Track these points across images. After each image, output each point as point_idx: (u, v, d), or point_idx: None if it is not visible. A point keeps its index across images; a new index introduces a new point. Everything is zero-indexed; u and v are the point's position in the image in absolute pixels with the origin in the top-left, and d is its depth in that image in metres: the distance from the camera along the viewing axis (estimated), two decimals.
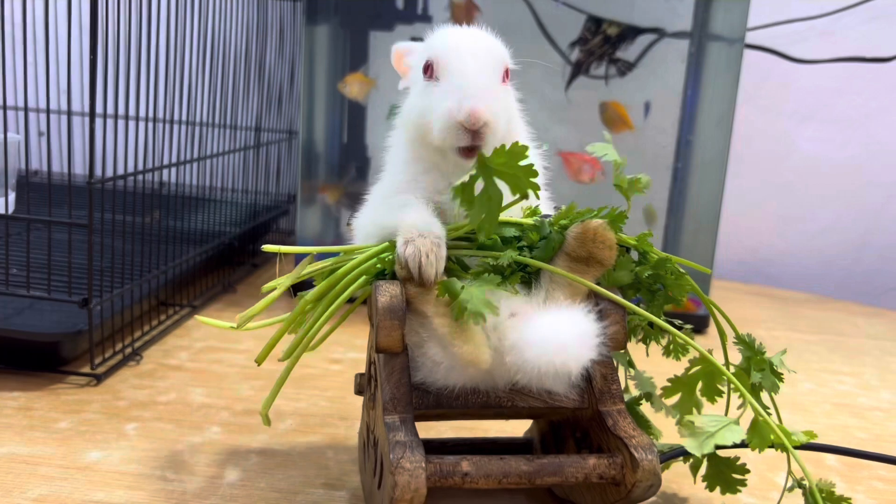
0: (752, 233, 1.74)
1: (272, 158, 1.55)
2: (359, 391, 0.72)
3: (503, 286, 0.58)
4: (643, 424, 0.68)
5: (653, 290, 0.64)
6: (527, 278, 0.61)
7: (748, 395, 0.57)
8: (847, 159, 1.67)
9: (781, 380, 0.64)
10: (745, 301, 1.50)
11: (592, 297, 0.61)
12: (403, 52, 0.67)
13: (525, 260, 0.60)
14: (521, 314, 0.59)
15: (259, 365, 0.66)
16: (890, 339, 1.31)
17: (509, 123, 0.62)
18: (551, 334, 0.55)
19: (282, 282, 0.64)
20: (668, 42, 1.35)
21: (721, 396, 0.67)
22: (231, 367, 0.98)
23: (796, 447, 0.56)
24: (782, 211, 1.72)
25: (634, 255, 0.65)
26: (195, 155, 1.17)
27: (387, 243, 0.62)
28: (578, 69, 1.32)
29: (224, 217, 1.32)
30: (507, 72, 0.63)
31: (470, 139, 0.58)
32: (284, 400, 0.90)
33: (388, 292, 0.57)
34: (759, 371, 0.63)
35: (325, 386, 0.95)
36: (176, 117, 1.10)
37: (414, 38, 1.41)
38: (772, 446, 0.56)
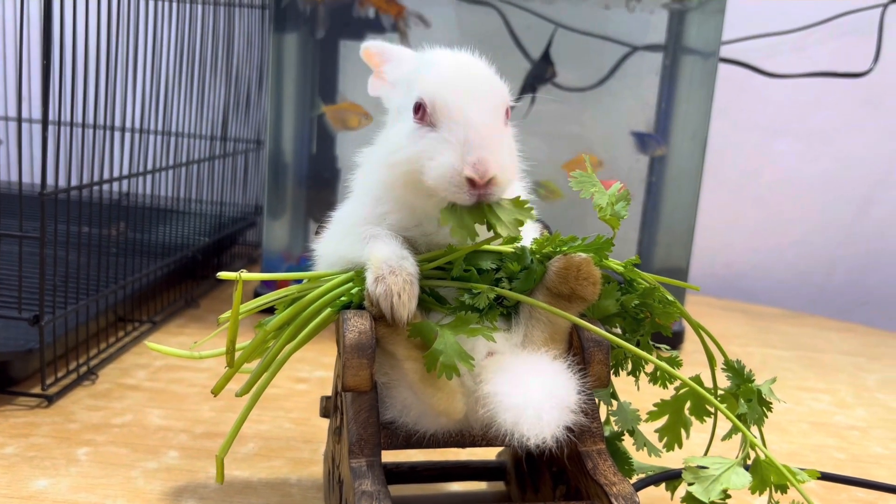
0: (726, 247, 1.73)
1: (238, 168, 1.51)
2: (325, 414, 0.69)
3: (481, 321, 0.55)
4: (623, 461, 0.65)
5: (638, 318, 0.61)
6: (505, 312, 0.58)
7: (747, 433, 0.54)
8: (819, 174, 1.66)
9: (770, 409, 0.61)
10: (718, 316, 1.48)
11: (574, 333, 0.57)
12: (376, 54, 0.62)
13: (505, 293, 0.57)
14: (499, 354, 0.56)
15: (215, 395, 0.62)
16: (863, 354, 1.30)
17: (513, 172, 0.57)
18: (525, 401, 0.50)
19: (235, 314, 0.60)
20: (641, 55, 1.34)
21: (710, 416, 0.64)
22: (191, 387, 0.94)
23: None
24: (755, 225, 1.71)
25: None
26: (157, 165, 1.13)
27: (352, 272, 0.58)
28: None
29: (187, 229, 1.28)
30: (507, 111, 0.57)
31: (475, 197, 0.53)
32: (247, 422, 0.86)
33: (356, 328, 0.54)
34: (746, 401, 0.61)
35: (290, 407, 0.91)
36: (137, 126, 1.06)
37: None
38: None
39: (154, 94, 1.09)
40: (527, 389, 0.51)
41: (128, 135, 1.01)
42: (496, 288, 0.57)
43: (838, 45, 1.54)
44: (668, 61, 1.32)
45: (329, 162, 1.41)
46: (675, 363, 0.64)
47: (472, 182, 0.52)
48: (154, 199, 1.14)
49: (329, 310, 0.58)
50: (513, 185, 0.58)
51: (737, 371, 0.63)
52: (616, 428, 0.64)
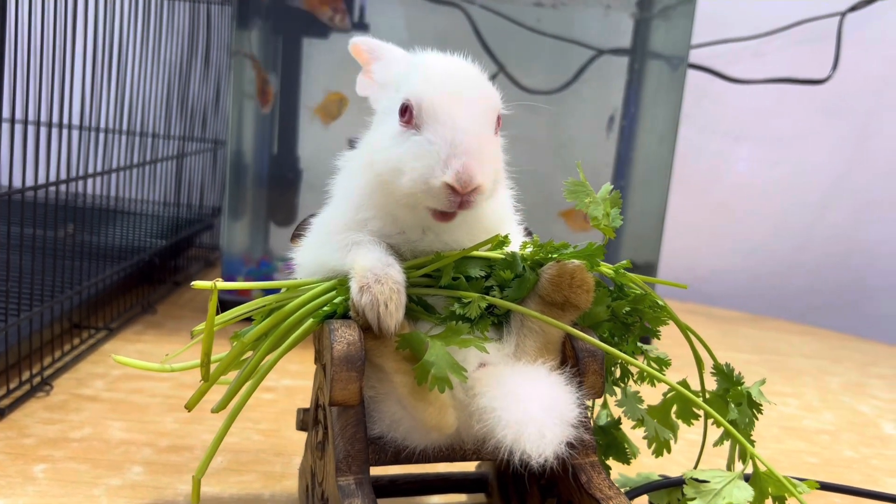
0: (688, 251, 1.74)
1: (195, 170, 1.46)
2: (302, 427, 0.66)
3: (471, 331, 0.53)
4: (621, 450, 0.64)
5: (628, 323, 0.60)
6: (496, 320, 0.56)
7: (746, 444, 0.53)
8: (777, 179, 1.69)
9: (760, 412, 0.61)
10: (682, 319, 1.49)
11: (568, 342, 0.56)
12: (365, 50, 0.59)
13: (497, 302, 0.55)
14: (491, 365, 0.54)
15: (189, 411, 0.59)
16: (825, 357, 1.32)
17: (497, 182, 0.54)
18: (526, 416, 0.48)
19: (210, 325, 0.57)
20: (607, 59, 1.34)
21: (697, 419, 0.63)
22: (153, 398, 0.90)
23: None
24: (716, 229, 1.72)
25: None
26: (115, 164, 1.08)
27: (335, 280, 0.56)
28: None
29: (144, 232, 1.24)
30: (498, 119, 0.55)
31: (456, 204, 0.50)
32: (213, 434, 0.82)
33: (344, 339, 0.51)
34: (736, 404, 0.60)
35: (258, 418, 0.87)
36: (95, 125, 1.01)
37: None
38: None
39: (118, 93, 1.04)
40: (526, 404, 0.49)
41: (85, 134, 0.96)
42: (488, 297, 0.55)
43: (797, 53, 1.56)
44: (636, 65, 1.32)
45: (291, 162, 1.37)
46: (664, 363, 0.63)
47: (452, 189, 0.50)
48: (109, 201, 1.10)
49: (311, 320, 0.55)
50: (497, 194, 0.56)
51: (726, 374, 0.62)
52: (620, 417, 0.63)
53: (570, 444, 0.49)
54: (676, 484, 0.65)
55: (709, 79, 1.57)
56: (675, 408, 0.65)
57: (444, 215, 0.52)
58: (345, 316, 0.54)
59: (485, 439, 0.51)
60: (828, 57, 1.51)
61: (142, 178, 1.21)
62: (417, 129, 0.51)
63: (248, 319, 0.60)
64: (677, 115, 1.24)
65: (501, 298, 0.55)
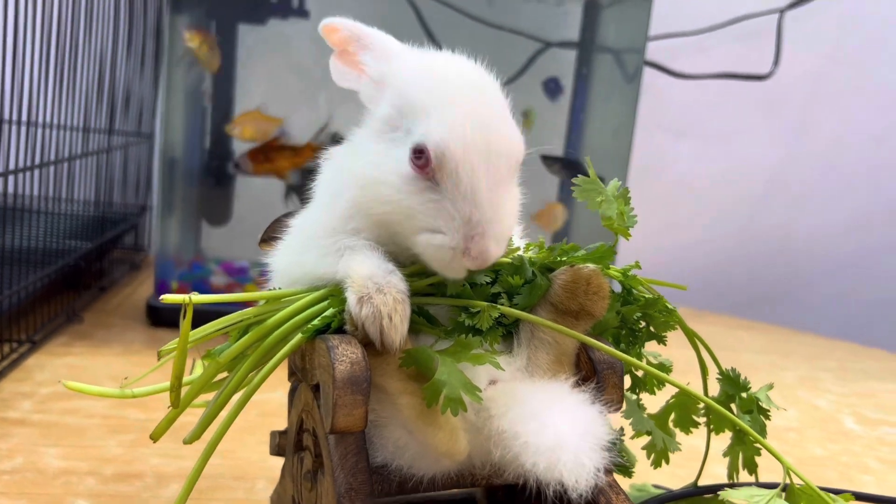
0: (630, 247, 1.73)
1: (117, 165, 1.35)
2: (278, 452, 0.60)
3: (481, 344, 0.48)
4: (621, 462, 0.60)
5: (635, 328, 0.56)
6: (505, 332, 0.51)
7: (783, 459, 0.50)
8: (717, 174, 1.70)
9: (769, 418, 0.58)
10: None
11: (583, 353, 0.51)
12: (348, 36, 0.52)
13: (509, 311, 0.49)
14: (502, 382, 0.49)
15: (154, 442, 0.52)
16: (775, 352, 1.33)
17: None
18: (560, 442, 0.44)
19: (183, 344, 0.49)
20: (554, 52, 1.31)
21: (696, 427, 0.60)
22: (90, 419, 0.81)
23: None
24: (658, 225, 1.72)
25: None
26: (28, 162, 0.97)
27: (324, 290, 0.50)
28: None
29: (66, 233, 1.13)
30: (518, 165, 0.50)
31: (465, 273, 0.47)
32: (164, 458, 0.75)
33: (347, 357, 0.45)
34: (745, 412, 0.57)
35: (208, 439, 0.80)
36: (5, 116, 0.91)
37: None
38: None
39: (19, 83, 0.94)
40: (558, 428, 0.44)
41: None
42: (499, 306, 0.50)
43: (738, 48, 1.57)
44: (585, 58, 1.30)
45: (224, 157, 1.29)
46: (666, 369, 0.60)
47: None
48: (27, 201, 0.99)
49: (299, 335, 0.49)
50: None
51: (732, 380, 0.60)
52: (622, 427, 0.59)
53: (607, 471, 0.45)
54: (685, 496, 0.62)
55: (651, 74, 1.56)
56: (672, 416, 0.62)
57: None
58: (339, 330, 0.48)
59: (503, 465, 0.46)
60: (768, 53, 1.52)
61: (62, 175, 1.10)
62: (434, 184, 0.46)
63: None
64: (634, 109, 1.21)
65: (511, 307, 0.50)
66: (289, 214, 0.58)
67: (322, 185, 0.54)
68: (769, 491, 0.49)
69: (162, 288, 1.18)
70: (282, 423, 0.70)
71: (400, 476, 0.48)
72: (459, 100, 0.47)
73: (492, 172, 0.46)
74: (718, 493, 0.49)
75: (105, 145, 1.22)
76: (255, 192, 1.32)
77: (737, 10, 1.55)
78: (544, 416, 0.45)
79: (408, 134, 0.47)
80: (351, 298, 0.46)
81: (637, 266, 0.56)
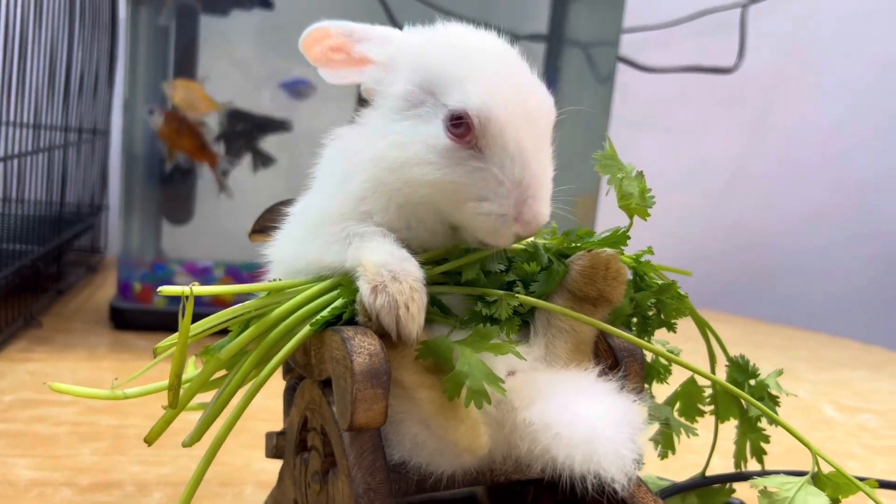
0: None
1: (72, 162, 1.29)
2: (277, 454, 0.56)
3: (498, 334, 0.46)
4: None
5: (648, 316, 0.54)
6: (521, 321, 0.49)
7: (811, 446, 0.49)
8: (680, 169, 1.70)
9: (778, 404, 0.57)
10: None
11: (601, 341, 0.49)
12: (341, 35, 0.48)
13: (527, 300, 0.47)
14: (521, 373, 0.46)
15: (150, 445, 0.48)
16: (747, 343, 1.33)
17: None
18: (596, 433, 0.41)
19: (184, 339, 0.46)
20: (522, 45, 1.29)
21: (702, 416, 0.59)
22: (60, 426, 0.76)
23: None
24: (623, 219, 1.72)
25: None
26: None
27: (332, 279, 0.47)
28: None
29: (20, 235, 1.07)
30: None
31: (515, 240, 0.46)
32: (143, 465, 0.71)
33: (365, 350, 0.42)
34: (758, 398, 0.56)
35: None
36: None
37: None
38: None
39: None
40: (591, 419, 0.42)
41: None
42: (517, 294, 0.47)
43: (703, 42, 1.58)
44: (554, 52, 1.29)
45: (184, 169, 1.24)
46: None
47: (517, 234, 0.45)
48: None
49: (307, 328, 0.46)
50: None
51: (741, 367, 0.59)
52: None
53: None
54: (698, 486, 0.61)
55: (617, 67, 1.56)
56: (678, 405, 0.61)
57: None
58: (350, 321, 0.45)
59: (530, 459, 0.44)
60: (733, 46, 1.53)
61: (11, 174, 1.04)
62: (477, 151, 0.44)
63: (223, 332, 0.49)
64: (609, 103, 1.20)
65: (527, 295, 0.48)
66: (284, 203, 0.55)
67: (325, 171, 0.51)
68: (799, 478, 0.48)
69: (125, 290, 1.13)
70: (264, 425, 0.67)
71: (418, 474, 0.46)
72: (490, 65, 0.45)
73: (534, 133, 0.45)
74: (746, 481, 0.48)
75: (58, 142, 1.17)
76: (216, 191, 1.27)
77: (701, 4, 1.56)
78: (576, 406, 0.43)
79: (435, 107, 0.45)
80: (364, 288, 0.44)
81: (650, 251, 0.54)
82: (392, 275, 0.43)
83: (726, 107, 1.66)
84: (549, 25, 1.29)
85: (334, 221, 0.48)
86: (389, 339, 0.44)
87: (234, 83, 1.21)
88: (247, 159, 1.22)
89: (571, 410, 0.43)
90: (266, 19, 1.21)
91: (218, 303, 1.17)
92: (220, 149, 1.18)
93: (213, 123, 1.17)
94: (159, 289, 0.45)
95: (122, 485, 0.67)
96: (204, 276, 1.23)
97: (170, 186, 1.24)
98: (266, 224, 0.57)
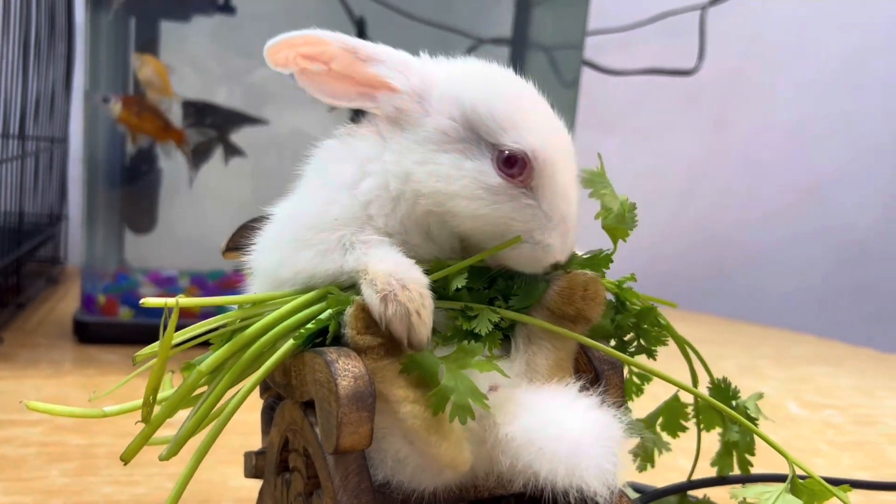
0: None
1: (28, 172, 1.26)
2: (257, 475, 0.56)
3: (481, 350, 0.46)
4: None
5: (626, 341, 0.55)
6: (502, 335, 0.49)
7: (789, 456, 0.50)
8: (643, 170, 1.72)
9: (756, 425, 0.58)
10: None
11: (582, 354, 0.50)
12: (344, 48, 0.47)
13: (510, 315, 0.48)
14: (502, 388, 0.47)
15: (126, 464, 0.47)
16: (713, 342, 1.35)
17: None
18: (580, 448, 0.42)
19: (164, 352, 0.45)
20: (487, 49, 1.30)
21: (684, 431, 0.60)
22: (27, 448, 0.75)
23: None
24: (587, 221, 1.74)
25: None
26: None
27: (317, 292, 0.46)
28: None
29: None
30: None
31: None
32: (115, 485, 0.69)
33: (349, 372, 0.42)
34: (735, 423, 0.57)
35: (164, 463, 0.74)
36: None
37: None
38: None
39: None
40: (574, 433, 0.43)
41: None
42: (499, 309, 0.48)
43: (663, 45, 1.60)
44: (517, 55, 1.29)
45: (149, 161, 1.23)
46: (647, 378, 0.60)
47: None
48: None
49: (291, 342, 0.45)
50: None
51: (722, 390, 0.60)
52: None
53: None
54: (679, 490, 0.62)
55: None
56: (660, 420, 0.62)
57: None
58: (336, 338, 0.45)
59: (512, 475, 0.44)
60: (692, 49, 1.55)
61: None
62: (529, 190, 0.47)
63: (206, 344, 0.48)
64: (574, 109, 1.21)
65: (507, 308, 0.48)
66: (257, 220, 0.55)
67: (320, 169, 0.50)
68: (777, 486, 0.49)
69: (88, 302, 1.11)
70: (241, 439, 0.66)
71: (402, 493, 0.46)
72: (535, 106, 0.49)
73: (572, 172, 0.48)
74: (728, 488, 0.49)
75: (15, 152, 1.14)
76: (181, 198, 1.26)
77: (660, 6, 1.57)
78: (558, 422, 0.43)
79: (479, 144, 0.47)
80: (373, 297, 0.43)
81: (632, 278, 0.55)
82: (401, 283, 0.44)
83: (687, 108, 1.68)
84: (513, 29, 1.30)
85: (331, 228, 0.47)
86: (374, 354, 0.44)
87: (193, 85, 1.19)
88: (213, 161, 1.20)
89: (554, 426, 0.43)
90: (226, 23, 1.20)
91: (185, 314, 1.16)
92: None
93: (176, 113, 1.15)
94: (142, 301, 0.44)
95: None
96: (169, 286, 1.21)
97: (132, 194, 1.23)
98: (240, 241, 0.56)
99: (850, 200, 1.83)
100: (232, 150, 1.19)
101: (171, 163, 1.21)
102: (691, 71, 1.53)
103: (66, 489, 0.68)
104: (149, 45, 1.17)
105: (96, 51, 1.09)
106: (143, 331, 1.10)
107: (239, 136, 1.20)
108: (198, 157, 1.18)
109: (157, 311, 1.17)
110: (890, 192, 1.85)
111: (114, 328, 1.10)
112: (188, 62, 1.20)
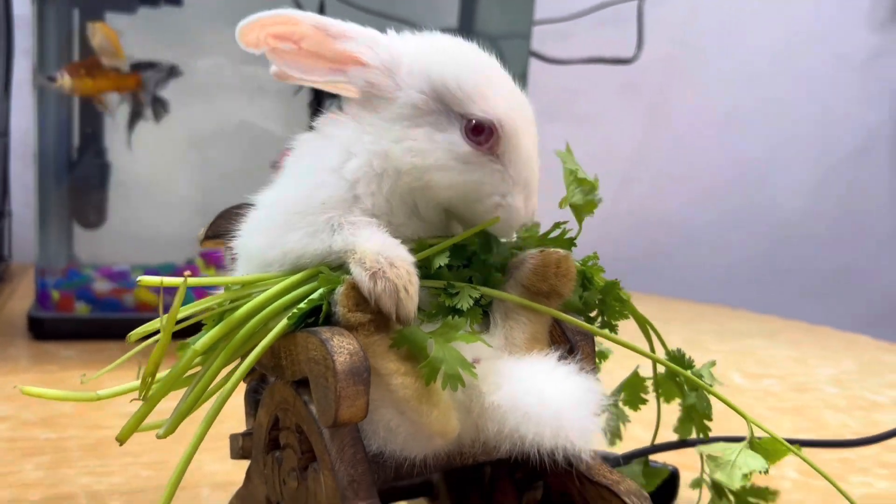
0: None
1: None
2: (244, 455, 0.57)
3: (465, 325, 0.49)
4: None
5: (589, 317, 0.58)
6: (482, 311, 0.52)
7: (746, 415, 0.54)
8: (585, 156, 1.76)
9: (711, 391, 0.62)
10: None
11: (556, 327, 0.53)
12: (314, 27, 0.50)
13: (488, 291, 0.50)
14: (485, 360, 0.49)
15: (121, 444, 0.49)
16: (658, 319, 1.39)
17: None
18: (563, 412, 0.45)
19: (169, 330, 0.46)
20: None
21: (645, 404, 0.64)
22: None
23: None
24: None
25: None
26: None
27: (309, 271, 0.48)
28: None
29: None
30: None
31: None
32: (92, 476, 0.70)
33: (344, 349, 0.44)
34: (691, 390, 0.61)
35: (137, 451, 0.75)
36: None
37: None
38: None
39: None
40: (557, 397, 0.46)
41: None
42: (479, 287, 0.50)
43: (602, 34, 1.65)
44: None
45: (96, 155, 1.21)
46: (604, 356, 0.63)
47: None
48: None
49: (284, 321, 0.47)
50: None
51: (678, 359, 0.63)
52: None
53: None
54: (647, 453, 0.66)
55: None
56: (622, 395, 0.65)
57: None
58: (327, 317, 0.47)
59: (498, 440, 0.47)
60: (630, 38, 1.60)
61: None
62: (495, 157, 0.49)
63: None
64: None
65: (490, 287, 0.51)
66: (237, 206, 0.56)
67: (306, 161, 0.52)
68: (738, 444, 0.53)
69: (43, 298, 1.10)
70: (216, 426, 0.67)
71: (395, 461, 0.48)
72: (498, 78, 0.50)
73: (534, 139, 0.50)
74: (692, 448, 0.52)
75: None
76: (131, 192, 1.25)
77: None
78: (541, 388, 0.47)
79: (449, 115, 0.49)
80: (362, 275, 0.45)
81: (595, 257, 0.58)
82: (389, 261, 0.46)
83: (626, 96, 1.74)
84: (458, 18, 1.32)
85: (318, 211, 0.49)
86: (364, 330, 0.46)
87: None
88: (160, 154, 1.20)
89: (537, 391, 0.46)
90: (172, 15, 1.19)
91: (143, 307, 1.16)
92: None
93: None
94: (139, 279, 0.45)
95: (75, 497, 0.66)
96: (121, 280, 1.21)
97: (80, 188, 1.21)
98: (219, 229, 0.58)
99: (780, 183, 1.92)
100: (162, 106, 1.18)
101: (119, 156, 1.20)
102: (630, 59, 1.58)
103: (43, 482, 0.68)
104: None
105: (43, 43, 1.08)
106: (100, 325, 1.09)
107: (188, 130, 1.20)
108: (134, 117, 1.18)
109: (113, 306, 1.17)
110: (816, 175, 1.94)
111: (69, 323, 1.09)
112: (135, 51, 1.19)
